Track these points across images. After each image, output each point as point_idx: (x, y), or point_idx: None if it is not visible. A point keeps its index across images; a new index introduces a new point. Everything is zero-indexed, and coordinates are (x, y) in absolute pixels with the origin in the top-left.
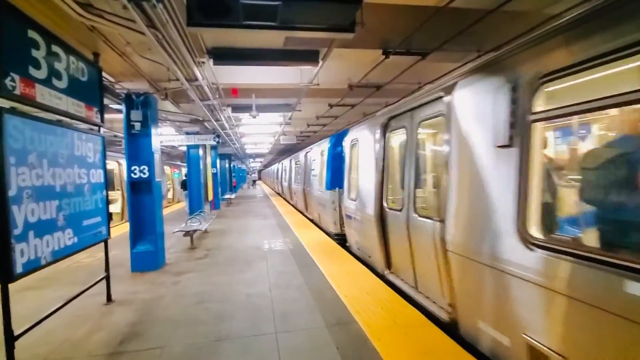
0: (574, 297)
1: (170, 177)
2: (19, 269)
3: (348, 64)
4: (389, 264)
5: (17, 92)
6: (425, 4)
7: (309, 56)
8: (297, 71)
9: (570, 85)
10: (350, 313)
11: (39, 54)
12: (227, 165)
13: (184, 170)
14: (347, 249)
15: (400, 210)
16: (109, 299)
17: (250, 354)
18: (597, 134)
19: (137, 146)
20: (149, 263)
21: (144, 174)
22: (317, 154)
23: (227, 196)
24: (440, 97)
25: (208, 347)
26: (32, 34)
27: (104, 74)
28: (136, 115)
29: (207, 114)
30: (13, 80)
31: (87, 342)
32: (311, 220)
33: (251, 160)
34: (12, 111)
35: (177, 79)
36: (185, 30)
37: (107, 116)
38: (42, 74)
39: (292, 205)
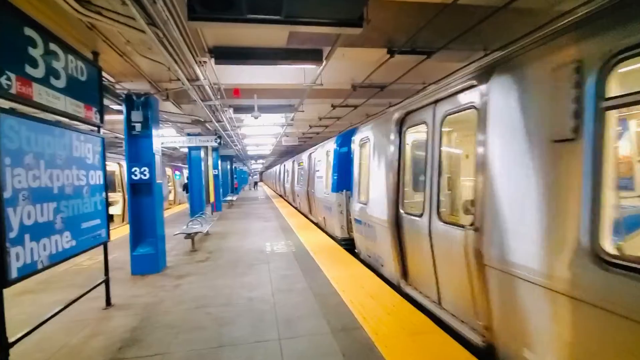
0: None
1: (171, 178)
2: (14, 273)
3: (352, 63)
4: (405, 275)
5: (12, 91)
6: (432, 1)
7: (312, 55)
8: (300, 71)
9: None
10: (355, 318)
11: (36, 52)
12: (228, 167)
13: (186, 172)
14: (356, 255)
15: (420, 216)
16: (108, 303)
17: None
18: None
19: (137, 147)
20: (149, 266)
21: (145, 175)
22: (322, 155)
23: (228, 198)
24: (472, 86)
25: (210, 354)
26: (28, 31)
27: (104, 74)
28: (137, 116)
29: (208, 114)
30: (9, 78)
31: (85, 348)
32: (315, 224)
33: (253, 162)
34: (8, 111)
35: (178, 79)
36: (187, 28)
37: (107, 117)
38: (39, 72)
39: (295, 208)
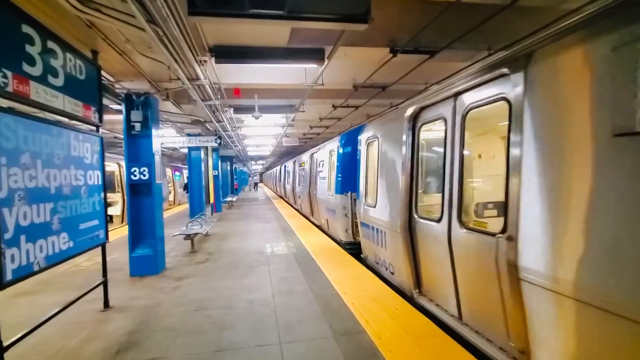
0: None
1: (171, 179)
2: (9, 275)
3: (353, 63)
4: (418, 284)
5: (9, 88)
6: None
7: (314, 55)
8: (301, 71)
9: None
10: (358, 322)
11: (34, 50)
12: (228, 168)
13: (186, 173)
14: (362, 260)
15: (438, 221)
16: (106, 305)
17: None
18: None
19: (137, 147)
20: (148, 267)
21: (144, 175)
22: (325, 155)
23: (228, 199)
24: (503, 75)
25: (209, 358)
26: (26, 28)
27: (103, 73)
28: (136, 115)
29: (208, 115)
30: (5, 76)
31: (82, 352)
32: (317, 226)
33: (253, 162)
34: (4, 109)
35: (178, 79)
36: (187, 26)
37: (107, 117)
38: (37, 70)
39: (296, 210)
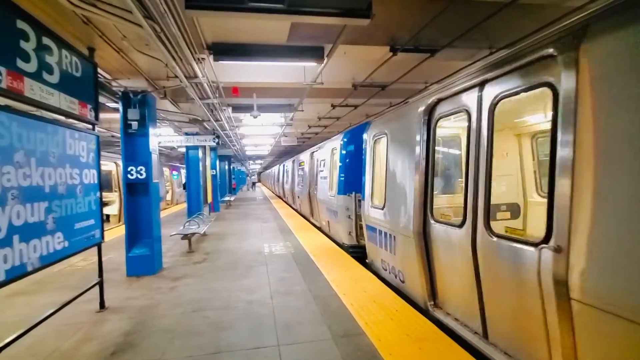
0: None
1: (169, 178)
2: (1, 276)
3: (353, 62)
4: (433, 295)
5: (3, 85)
6: None
7: (313, 53)
8: (300, 70)
9: None
10: (357, 324)
11: (29, 46)
12: (226, 167)
13: (184, 172)
14: (367, 266)
15: (459, 226)
16: (102, 305)
17: None
18: None
19: (134, 146)
20: (145, 267)
21: (141, 175)
22: (327, 153)
23: (226, 198)
24: (547, 57)
25: None
26: (21, 24)
27: (100, 71)
28: (133, 114)
29: (206, 113)
30: None
31: (77, 353)
32: (318, 228)
33: (251, 162)
34: None
35: (176, 76)
36: (185, 22)
37: (104, 116)
38: (31, 67)
39: (295, 210)
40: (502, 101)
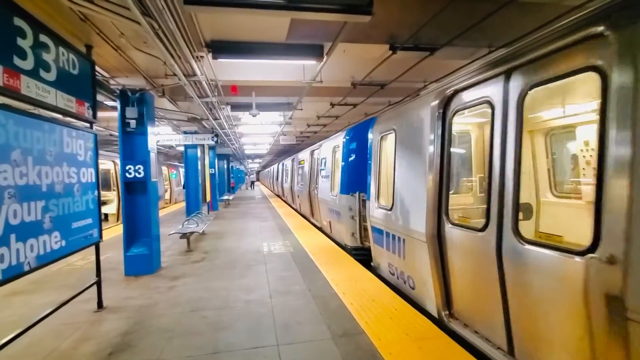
0: None
1: (167, 177)
2: None
3: (352, 60)
4: (448, 304)
5: None
6: None
7: (312, 51)
8: (300, 68)
9: None
10: (357, 323)
11: (25, 43)
12: (225, 166)
13: (183, 171)
14: (372, 269)
15: (481, 230)
16: (100, 305)
17: None
18: None
19: (132, 145)
20: (143, 266)
21: (139, 173)
22: (328, 151)
23: (225, 197)
24: (591, 37)
25: None
26: (18, 21)
27: (98, 69)
28: (131, 112)
29: (205, 112)
30: None
31: (75, 353)
32: (319, 229)
33: (249, 161)
34: None
35: (175, 75)
36: (183, 20)
37: (103, 114)
38: (28, 64)
39: (295, 209)
40: (535, 89)
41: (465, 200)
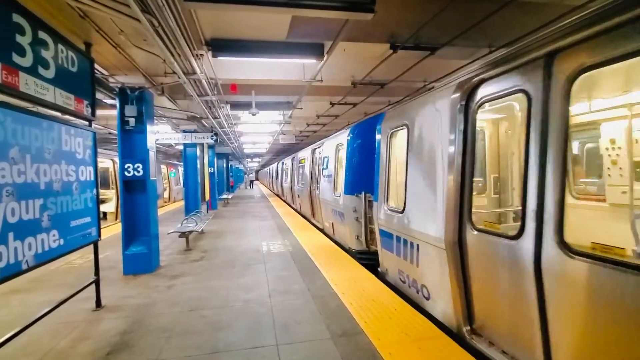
0: None
1: (166, 176)
2: None
3: (352, 59)
4: (470, 319)
5: None
6: None
7: (313, 50)
8: (299, 67)
9: None
10: (356, 323)
11: (24, 40)
12: (224, 165)
13: (182, 170)
14: (379, 275)
15: (515, 238)
16: (98, 304)
17: None
18: None
19: (131, 143)
20: (142, 265)
21: (138, 172)
22: (331, 149)
23: (224, 196)
24: None
25: None
26: (17, 18)
27: (97, 67)
28: (130, 110)
29: (204, 111)
30: None
31: (72, 353)
32: (321, 230)
33: (249, 160)
34: None
35: (174, 73)
36: (183, 17)
37: (102, 112)
38: (26, 61)
39: (295, 210)
40: (584, 74)
41: (477, 202)
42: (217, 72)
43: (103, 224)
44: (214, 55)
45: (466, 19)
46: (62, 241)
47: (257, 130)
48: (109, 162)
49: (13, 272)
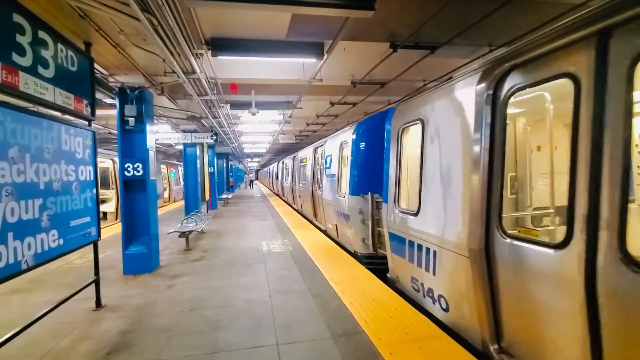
0: None
1: (166, 176)
2: None
3: (352, 59)
4: (497, 336)
5: None
6: None
7: (313, 49)
8: (299, 67)
9: None
10: (357, 322)
11: (24, 40)
12: (224, 165)
13: (182, 170)
14: (388, 282)
15: (560, 247)
16: (98, 304)
17: None
18: None
19: (131, 143)
20: (142, 265)
21: (138, 171)
22: (334, 148)
23: (224, 196)
24: None
25: None
26: (17, 17)
27: (97, 66)
28: (130, 110)
29: (204, 110)
30: None
31: (72, 353)
32: (323, 231)
33: (249, 159)
34: None
35: (174, 72)
36: (182, 16)
37: (102, 112)
38: (26, 61)
39: (296, 210)
40: None
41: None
42: (216, 71)
43: (103, 223)
44: (213, 55)
45: (466, 17)
46: (61, 241)
47: (256, 130)
48: (108, 161)
49: (13, 272)
